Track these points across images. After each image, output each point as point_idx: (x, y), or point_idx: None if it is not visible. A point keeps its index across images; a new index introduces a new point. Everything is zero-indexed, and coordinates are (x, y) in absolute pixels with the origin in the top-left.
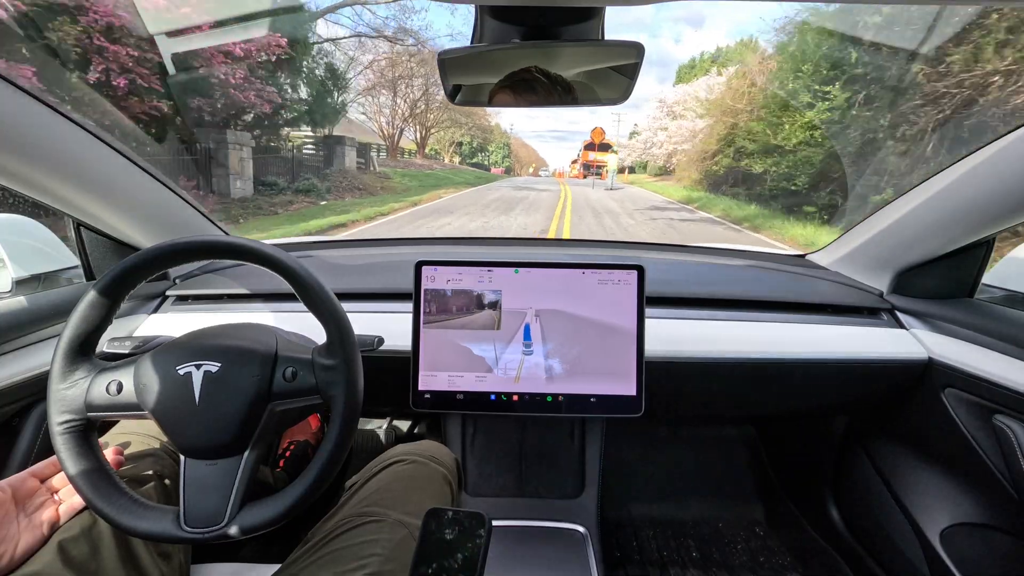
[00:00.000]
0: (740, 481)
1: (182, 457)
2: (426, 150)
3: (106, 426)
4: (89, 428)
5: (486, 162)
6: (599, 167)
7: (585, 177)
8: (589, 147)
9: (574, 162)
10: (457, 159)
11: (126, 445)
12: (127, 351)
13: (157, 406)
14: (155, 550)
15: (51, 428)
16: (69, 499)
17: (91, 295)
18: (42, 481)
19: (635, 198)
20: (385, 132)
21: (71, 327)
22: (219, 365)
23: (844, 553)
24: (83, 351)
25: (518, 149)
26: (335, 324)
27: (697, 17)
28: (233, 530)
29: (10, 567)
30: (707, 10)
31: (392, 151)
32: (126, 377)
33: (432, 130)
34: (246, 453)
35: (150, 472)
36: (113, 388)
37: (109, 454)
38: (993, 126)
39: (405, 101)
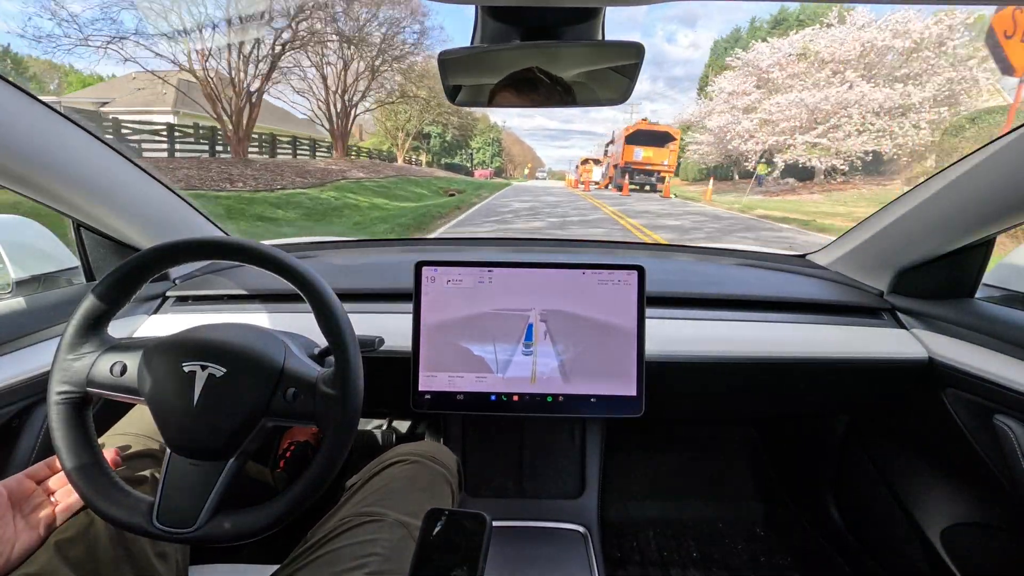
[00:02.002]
0: (740, 481)
1: (167, 451)
2: (349, 143)
3: (105, 426)
4: (85, 403)
5: (468, 163)
6: (652, 173)
7: (619, 190)
8: (636, 138)
9: (585, 163)
10: (424, 158)
11: (126, 448)
12: None
13: (155, 397)
14: (152, 550)
15: (48, 397)
16: (66, 500)
17: (90, 299)
18: (39, 483)
19: None
20: (229, 106)
21: (84, 306)
22: (224, 370)
23: (844, 553)
24: (96, 326)
25: (511, 146)
26: (341, 343)
27: (690, 17)
28: (202, 536)
29: (7, 568)
30: (700, 10)
31: (237, 144)
32: (132, 361)
33: (359, 107)
34: (230, 461)
35: (148, 473)
36: (117, 369)
37: (108, 454)
38: None
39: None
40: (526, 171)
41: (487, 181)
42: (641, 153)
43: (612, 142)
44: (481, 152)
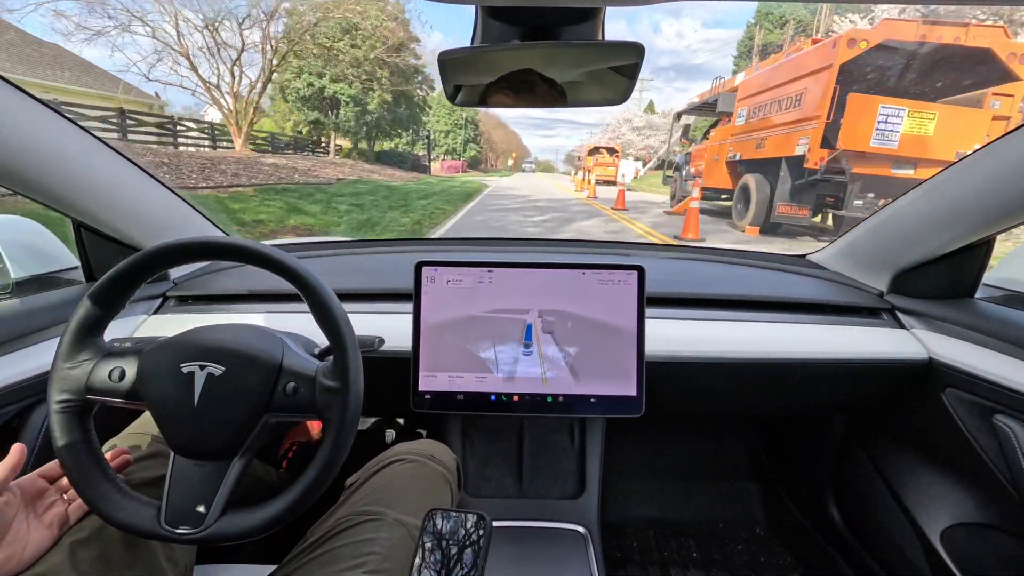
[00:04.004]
0: (740, 481)
1: (171, 454)
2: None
3: (111, 426)
4: (86, 410)
5: (422, 149)
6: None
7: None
8: (880, 70)
9: (594, 152)
10: (344, 142)
11: (136, 449)
12: None
13: (155, 400)
14: (163, 552)
15: (49, 406)
16: (78, 499)
17: (86, 304)
18: (51, 482)
19: None
20: None
21: (80, 313)
22: (223, 369)
23: (844, 553)
24: (92, 333)
25: (492, 131)
26: (338, 338)
27: (675, 7)
28: (210, 535)
29: (19, 568)
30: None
31: None
32: (130, 366)
33: None
34: (235, 459)
35: (160, 474)
36: (116, 375)
37: (117, 457)
38: None
39: None
40: (510, 162)
41: (446, 182)
42: (899, 120)
43: (714, 99)
44: (451, 136)
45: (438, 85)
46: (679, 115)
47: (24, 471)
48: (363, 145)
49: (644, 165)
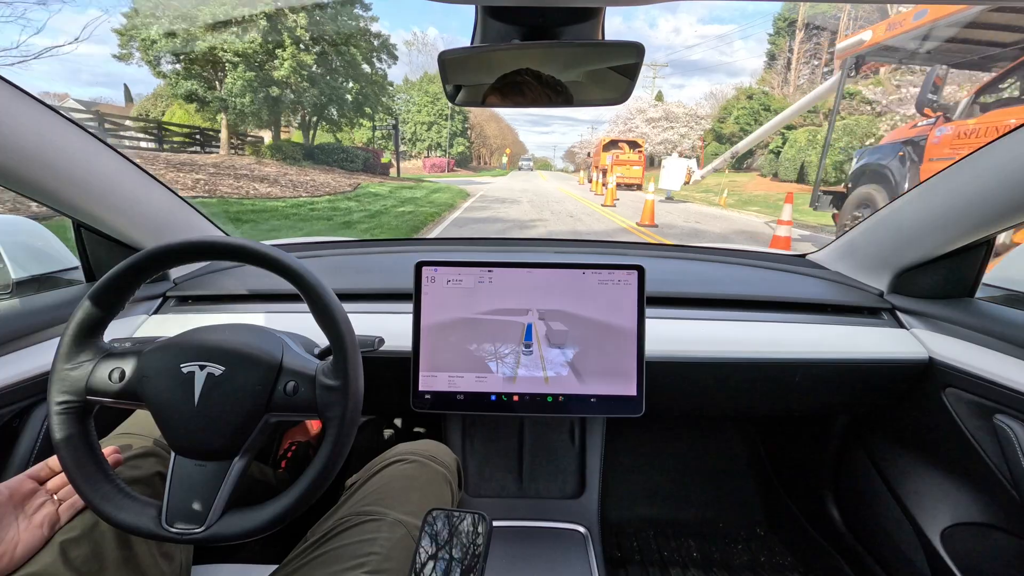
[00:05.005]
0: (740, 481)
1: (172, 454)
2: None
3: (106, 425)
4: (86, 411)
5: (389, 145)
6: None
7: None
8: None
9: (610, 146)
10: (266, 137)
11: (127, 448)
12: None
13: (156, 401)
14: (157, 551)
15: (49, 407)
16: (69, 498)
17: (85, 305)
18: (41, 483)
19: None
20: None
21: (80, 313)
22: (223, 369)
23: (844, 553)
24: (91, 334)
25: (485, 124)
26: (338, 337)
27: (672, 4)
28: (211, 535)
29: (10, 568)
30: None
31: None
32: (130, 366)
33: None
34: (236, 459)
35: (150, 472)
36: (116, 376)
37: (108, 455)
38: None
39: None
40: (504, 159)
41: (403, 192)
42: None
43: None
44: (435, 129)
45: (426, 69)
46: (859, 63)
47: (25, 470)
48: (295, 136)
49: (699, 166)
